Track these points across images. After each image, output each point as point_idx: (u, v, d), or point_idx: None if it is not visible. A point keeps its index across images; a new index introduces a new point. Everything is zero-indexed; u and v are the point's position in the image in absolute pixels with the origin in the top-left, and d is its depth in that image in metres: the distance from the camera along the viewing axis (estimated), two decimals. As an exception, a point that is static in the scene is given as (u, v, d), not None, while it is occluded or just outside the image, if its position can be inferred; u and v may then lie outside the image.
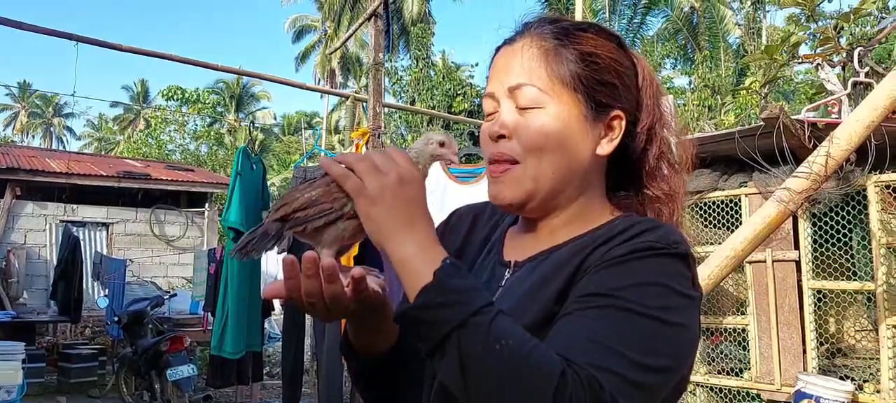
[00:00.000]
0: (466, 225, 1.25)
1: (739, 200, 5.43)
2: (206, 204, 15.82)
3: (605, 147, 1.07)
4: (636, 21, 24.75)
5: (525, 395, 0.81)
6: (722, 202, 5.55)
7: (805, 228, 5.13)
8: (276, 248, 1.05)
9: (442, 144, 1.08)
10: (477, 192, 4.73)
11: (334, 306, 0.95)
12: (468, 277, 0.91)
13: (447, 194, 4.91)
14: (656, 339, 0.89)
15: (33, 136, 51.04)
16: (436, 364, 0.87)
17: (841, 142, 3.32)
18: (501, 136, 1.06)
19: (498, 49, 1.12)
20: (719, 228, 5.51)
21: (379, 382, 1.17)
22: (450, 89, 18.49)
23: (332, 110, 33.03)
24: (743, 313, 5.55)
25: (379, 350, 1.13)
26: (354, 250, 1.04)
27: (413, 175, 0.95)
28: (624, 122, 1.08)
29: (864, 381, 4.93)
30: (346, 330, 1.15)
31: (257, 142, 33.40)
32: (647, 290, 0.91)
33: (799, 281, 5.19)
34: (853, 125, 3.35)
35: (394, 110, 18.27)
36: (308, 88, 11.73)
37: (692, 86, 20.18)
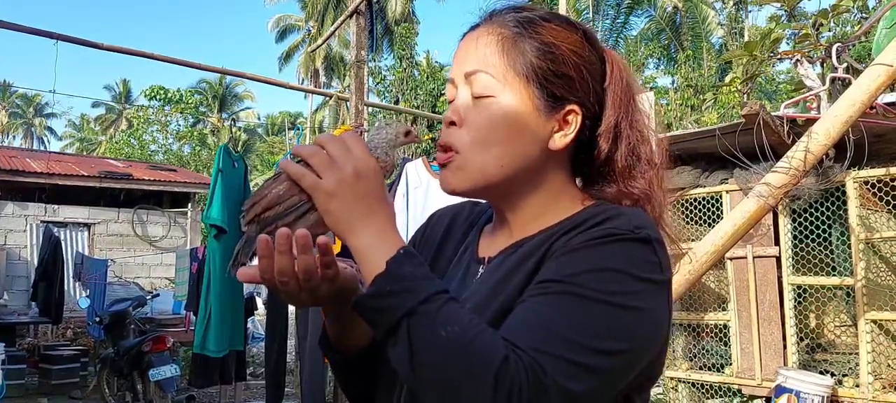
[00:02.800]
0: (445, 225, 1.26)
1: (720, 197, 5.47)
2: (189, 205, 15.73)
3: (558, 141, 1.05)
4: (619, 21, 24.86)
5: (467, 379, 0.82)
6: (703, 199, 5.58)
7: (785, 224, 5.18)
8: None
9: (408, 134, 1.11)
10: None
11: (307, 284, 0.95)
12: (421, 265, 0.91)
13: (430, 191, 4.91)
14: (609, 324, 0.88)
15: (14, 137, 50.60)
16: (389, 350, 0.89)
17: (819, 137, 3.34)
18: (452, 123, 1.06)
19: (463, 36, 1.12)
20: (701, 225, 5.54)
21: (358, 376, 1.17)
22: (433, 89, 18.49)
23: (316, 110, 32.95)
24: (724, 309, 5.59)
25: (357, 344, 1.14)
26: (338, 246, 1.04)
27: (369, 166, 0.95)
28: (580, 117, 1.06)
29: (844, 375, 4.97)
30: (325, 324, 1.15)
31: (241, 143, 33.30)
32: (603, 276, 0.90)
33: (779, 276, 5.23)
34: (831, 120, 3.37)
35: (377, 109, 18.25)
36: (292, 88, 11.71)
37: (675, 85, 20.29)
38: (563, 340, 0.85)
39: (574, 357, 0.85)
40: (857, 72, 4.16)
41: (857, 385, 4.80)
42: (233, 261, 1.03)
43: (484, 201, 1.20)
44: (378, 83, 20.09)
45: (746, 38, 18.61)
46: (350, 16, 5.50)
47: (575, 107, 1.05)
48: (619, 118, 1.08)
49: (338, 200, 0.93)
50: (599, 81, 1.08)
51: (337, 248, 1.03)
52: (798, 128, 4.73)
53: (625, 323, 0.89)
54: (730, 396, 5.47)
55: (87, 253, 13.28)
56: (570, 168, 1.11)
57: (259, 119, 44.96)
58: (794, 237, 5.17)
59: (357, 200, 0.93)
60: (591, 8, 22.69)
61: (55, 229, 11.88)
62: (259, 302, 9.37)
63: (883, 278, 4.95)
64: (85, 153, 35.29)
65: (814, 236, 5.05)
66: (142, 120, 30.56)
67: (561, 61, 1.04)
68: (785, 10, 6.20)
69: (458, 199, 1.17)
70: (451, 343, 0.84)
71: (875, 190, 4.80)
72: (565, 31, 1.07)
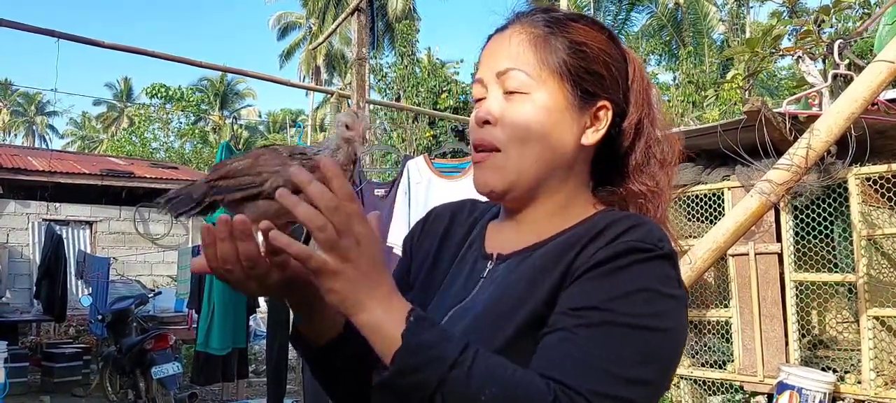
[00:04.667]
0: (444, 224, 1.24)
1: (722, 194, 5.47)
2: (191, 202, 15.71)
3: (591, 137, 1.07)
4: (621, 17, 24.82)
5: None
6: (705, 196, 5.58)
7: (787, 221, 5.17)
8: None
9: (347, 127, 1.01)
10: (461, 187, 4.73)
11: (252, 271, 0.91)
12: (434, 326, 0.90)
13: (432, 189, 4.91)
14: (648, 350, 0.90)
15: (15, 135, 50.63)
16: None
17: (821, 134, 3.33)
18: (487, 123, 1.06)
19: (490, 37, 1.13)
20: (702, 222, 5.54)
21: (330, 368, 1.12)
22: (435, 86, 18.43)
23: (318, 108, 32.98)
24: (726, 306, 5.58)
25: (327, 336, 1.07)
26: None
27: (373, 236, 0.89)
28: (610, 113, 1.08)
29: (846, 372, 4.98)
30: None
31: (243, 140, 33.31)
32: (636, 298, 0.91)
33: (781, 273, 5.23)
34: (833, 117, 3.36)
35: (379, 107, 18.23)
36: (293, 85, 11.72)
37: (676, 82, 20.25)
38: (613, 377, 0.87)
39: (625, 393, 0.87)
40: (859, 69, 4.15)
41: (859, 382, 4.79)
42: (167, 198, 1.03)
43: (484, 200, 1.18)
44: (379, 80, 20.04)
45: (748, 35, 18.59)
46: (351, 13, 5.50)
47: (606, 102, 1.07)
48: (642, 116, 1.11)
49: (342, 279, 0.87)
50: (624, 80, 1.10)
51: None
52: (800, 124, 4.73)
53: (661, 345, 0.92)
54: (732, 393, 5.47)
55: (89, 251, 13.29)
56: (591, 167, 1.12)
57: (260, 116, 44.98)
58: (796, 233, 5.17)
59: (363, 276, 0.87)
60: (592, 4, 22.66)
61: (57, 227, 11.89)
62: (261, 299, 9.36)
63: (885, 274, 4.95)
64: (86, 151, 35.32)
65: (816, 233, 5.04)
66: (143, 118, 30.57)
67: (592, 59, 1.06)
68: (786, 7, 6.20)
69: (461, 196, 1.17)
70: None
71: (877, 186, 4.79)
72: (593, 30, 1.09)
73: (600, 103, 1.07)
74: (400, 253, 1.31)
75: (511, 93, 1.05)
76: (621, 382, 0.87)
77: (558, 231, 1.06)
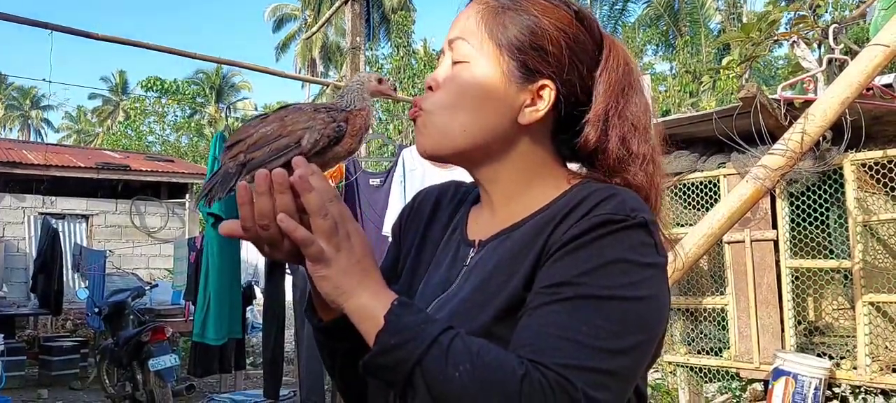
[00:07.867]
0: (430, 206, 1.24)
1: (718, 181, 5.46)
2: (187, 195, 15.71)
3: (528, 115, 1.04)
4: (618, 7, 24.84)
5: None
6: (701, 183, 5.57)
7: (783, 208, 5.17)
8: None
9: (380, 81, 1.16)
10: (455, 175, 4.72)
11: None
12: (419, 312, 0.91)
13: (427, 177, 4.91)
14: (624, 320, 0.88)
15: (10, 129, 50.51)
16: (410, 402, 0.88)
17: (816, 119, 3.33)
18: (430, 88, 1.09)
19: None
20: (698, 209, 5.53)
21: (331, 349, 1.12)
22: (431, 77, 18.46)
23: (314, 100, 32.94)
24: (722, 293, 5.59)
25: (332, 314, 1.06)
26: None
27: (359, 230, 0.95)
28: (553, 93, 1.03)
29: (842, 358, 4.98)
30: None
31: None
32: (609, 270, 0.89)
33: (777, 260, 5.23)
34: (828, 101, 3.36)
35: (375, 98, 18.20)
36: (288, 77, 11.70)
37: (673, 71, 20.26)
38: (586, 348, 0.85)
39: (599, 364, 0.85)
40: (854, 54, 4.14)
41: (855, 368, 4.80)
42: (206, 195, 1.03)
43: (469, 181, 1.19)
44: (375, 72, 20.03)
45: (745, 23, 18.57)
46: (345, 2, 5.48)
47: (548, 82, 1.03)
48: (608, 107, 1.04)
49: (335, 268, 0.91)
50: (589, 65, 1.05)
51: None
52: (795, 110, 4.72)
53: (637, 314, 0.90)
54: (728, 380, 5.48)
55: (85, 244, 13.27)
56: (552, 146, 1.09)
57: (256, 109, 44.86)
58: (792, 220, 5.17)
59: (354, 265, 0.91)
60: (588, -7, 22.64)
61: (53, 221, 11.87)
62: (257, 290, 9.36)
63: (880, 260, 4.95)
64: (82, 145, 35.25)
65: (812, 219, 5.04)
66: (139, 111, 30.51)
67: (540, 34, 1.03)
68: (783, -6, 6.20)
69: (444, 176, 1.17)
70: (468, 383, 0.83)
71: (873, 172, 4.79)
72: (554, 7, 1.05)
73: (542, 82, 1.03)
74: None
75: (455, 63, 1.07)
76: (594, 353, 0.85)
77: (533, 210, 1.04)
